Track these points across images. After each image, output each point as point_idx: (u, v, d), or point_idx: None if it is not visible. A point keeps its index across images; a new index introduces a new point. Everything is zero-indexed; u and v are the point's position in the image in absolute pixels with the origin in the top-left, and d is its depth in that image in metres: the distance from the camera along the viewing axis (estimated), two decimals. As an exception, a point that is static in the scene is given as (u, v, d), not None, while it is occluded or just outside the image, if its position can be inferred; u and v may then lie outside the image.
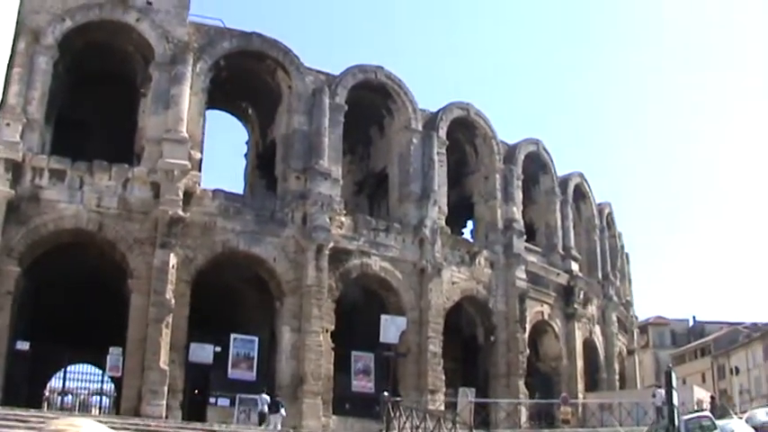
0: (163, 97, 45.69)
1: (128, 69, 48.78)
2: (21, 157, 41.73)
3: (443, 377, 49.61)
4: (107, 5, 46.91)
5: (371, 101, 54.31)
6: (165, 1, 47.98)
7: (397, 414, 38.77)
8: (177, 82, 45.94)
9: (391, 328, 45.47)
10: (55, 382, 57.28)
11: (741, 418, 46.52)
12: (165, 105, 45.44)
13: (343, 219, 48.62)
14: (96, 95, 50.24)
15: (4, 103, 42.68)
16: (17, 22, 44.42)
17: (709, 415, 43.48)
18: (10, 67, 43.46)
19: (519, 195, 59.54)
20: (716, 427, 39.83)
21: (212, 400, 44.41)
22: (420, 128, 54.43)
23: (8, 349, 40.49)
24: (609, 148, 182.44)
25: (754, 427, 41.81)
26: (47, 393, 59.10)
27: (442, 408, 47.31)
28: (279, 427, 40.86)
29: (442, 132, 55.54)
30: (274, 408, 41.47)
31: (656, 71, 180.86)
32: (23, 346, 41.94)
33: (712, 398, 63.88)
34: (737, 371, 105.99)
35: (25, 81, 43.51)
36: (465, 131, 58.85)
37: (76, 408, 58.94)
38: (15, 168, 41.52)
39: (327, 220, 47.15)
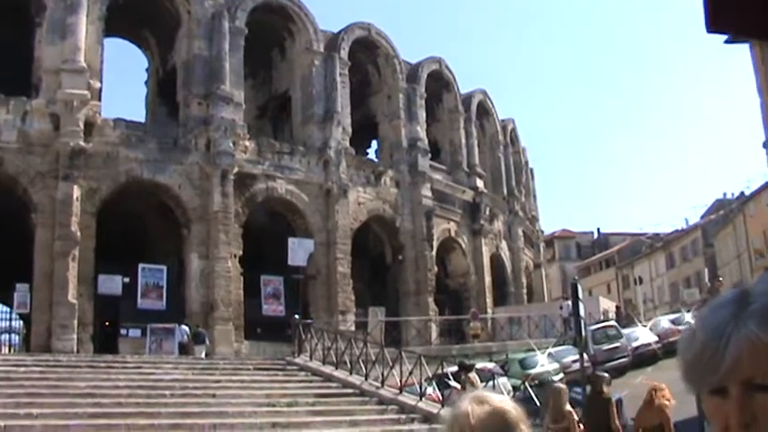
0: (59, 26, 44.73)
1: (21, -3, 47.52)
2: None
3: (353, 298, 50.28)
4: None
5: (272, 23, 53.86)
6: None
7: (309, 336, 39.06)
8: (73, 11, 44.93)
9: (299, 251, 45.80)
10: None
11: (645, 326, 48.03)
12: (62, 35, 44.53)
13: (246, 143, 48.56)
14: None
15: None
16: None
17: (615, 324, 44.98)
18: None
19: (422, 114, 59.89)
20: (621, 336, 41.22)
21: (123, 331, 44.26)
22: (322, 49, 54.31)
23: None
24: (511, 64, 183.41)
25: (658, 335, 43.31)
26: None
27: (353, 328, 47.90)
28: (203, 355, 40.94)
29: (344, 53, 55.48)
30: (199, 339, 41.84)
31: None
32: None
33: (617, 308, 65.94)
34: (641, 281, 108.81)
35: None
36: (367, 52, 58.86)
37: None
38: None
39: (231, 144, 47.07)
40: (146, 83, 59.03)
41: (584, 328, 28.39)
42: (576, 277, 56.48)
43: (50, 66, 44.20)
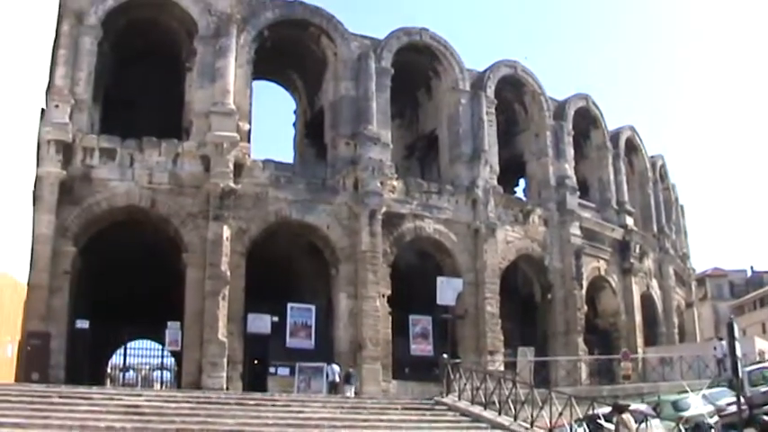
0: (208, 71, 45.56)
1: (172, 45, 48.68)
2: (71, 138, 41.78)
3: (502, 337, 49.28)
4: (148, -18, 46.57)
5: (418, 63, 53.72)
6: (206, -26, 47.48)
7: (457, 376, 38.41)
8: (222, 55, 45.79)
9: (448, 290, 45.05)
10: (116, 359, 57.53)
11: (805, 366, 45.75)
12: (212, 78, 45.31)
13: (394, 183, 48.32)
14: (142, 72, 50.19)
15: (52, 85, 42.65)
16: (60, 5, 44.28)
17: (772, 365, 42.82)
18: (55, 49, 43.39)
19: (570, 151, 58.82)
20: (779, 377, 39.17)
21: (272, 369, 44.33)
22: (468, 88, 53.83)
23: (69, 328, 40.68)
24: (659, 100, 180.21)
25: (818, 375, 41.09)
26: (109, 370, 59.48)
27: (502, 368, 46.89)
28: (352, 394, 40.88)
29: (490, 91, 54.84)
30: (349, 378, 41.87)
31: (704, 19, 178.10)
32: (83, 324, 42.09)
33: (774, 348, 63.07)
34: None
35: (71, 62, 43.42)
36: (513, 90, 58.15)
37: (138, 383, 59.32)
38: (66, 149, 41.56)
39: (379, 184, 46.92)
40: (294, 124, 59.34)
41: (741, 368, 27.11)
42: (732, 316, 54.46)
43: (201, 109, 44.91)
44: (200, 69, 45.83)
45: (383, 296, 45.89)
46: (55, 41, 43.53)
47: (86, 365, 43.88)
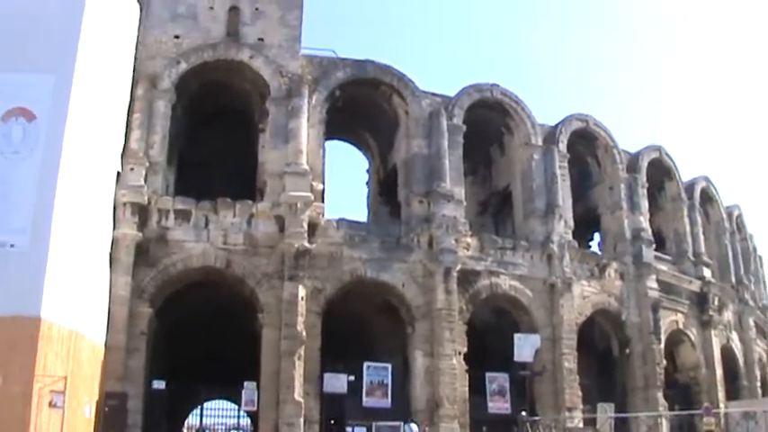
0: (281, 131, 45.71)
1: (245, 106, 48.93)
2: (146, 200, 42.25)
3: (580, 394, 48.16)
4: (220, 45, 47.19)
5: (489, 119, 53.33)
6: (276, 36, 48.03)
7: (536, 433, 37.67)
8: (294, 115, 45.93)
9: (525, 347, 44.36)
10: (192, 419, 57.47)
11: None
12: (284, 139, 45.45)
13: (469, 240, 47.74)
14: (215, 134, 50.58)
15: (127, 148, 43.17)
16: (134, 69, 44.97)
17: None
18: (130, 113, 43.97)
19: (645, 204, 57.73)
20: None
21: (349, 429, 44.02)
22: (540, 143, 53.29)
23: (145, 389, 40.79)
24: (734, 150, 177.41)
25: None
26: (185, 431, 59.32)
27: (581, 425, 45.94)
28: None
29: (563, 146, 54.20)
30: None
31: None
32: (160, 385, 42.12)
33: None
34: None
35: (145, 126, 44.00)
36: (585, 143, 57.41)
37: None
38: (141, 211, 42.00)
39: (453, 242, 46.41)
40: (367, 183, 59.15)
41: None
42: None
43: (274, 169, 44.94)
44: (273, 130, 45.98)
45: (459, 354, 45.14)
46: (130, 106, 44.07)
47: (163, 426, 43.77)
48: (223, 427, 61.73)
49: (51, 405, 32.55)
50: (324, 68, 48.89)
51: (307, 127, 46.08)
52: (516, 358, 44.00)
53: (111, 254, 40.76)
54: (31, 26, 37.43)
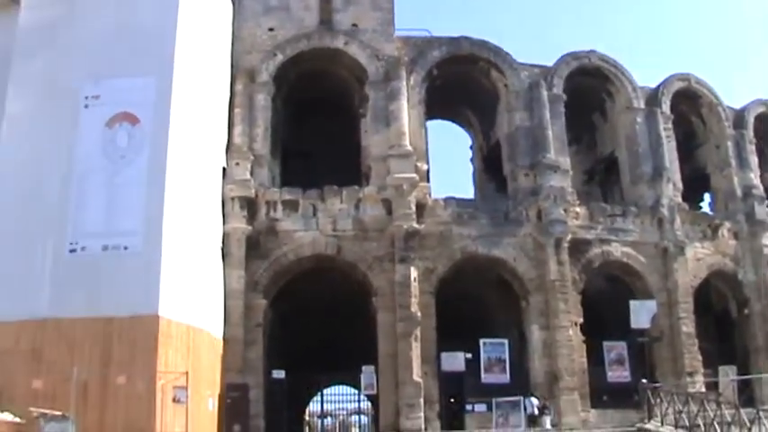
0: (382, 115, 45.25)
1: (343, 92, 48.47)
2: (253, 194, 42.36)
3: (700, 358, 46.42)
4: (314, 34, 46.91)
5: (589, 86, 51.77)
6: (369, 21, 47.51)
7: (658, 400, 36.53)
8: (394, 98, 45.37)
9: (642, 313, 42.99)
10: (313, 406, 57.46)
11: None
12: (386, 122, 44.98)
13: (577, 209, 46.45)
14: (316, 122, 50.10)
15: (231, 143, 43.21)
16: (232, 65, 44.97)
17: None
18: (231, 108, 43.99)
19: (754, 160, 55.34)
20: None
21: (468, 407, 43.21)
22: (642, 106, 51.44)
23: (265, 379, 40.88)
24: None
25: None
26: (307, 417, 59.42)
27: (703, 389, 44.32)
28: (549, 426, 40.05)
29: (666, 107, 52.25)
30: (547, 411, 40.67)
31: None
32: (279, 374, 42.19)
33: None
34: None
35: (247, 120, 44.03)
36: (689, 103, 55.27)
37: (337, 429, 59.00)
38: (250, 205, 42.13)
39: (562, 212, 45.18)
40: (471, 160, 58.28)
41: None
42: None
43: (378, 153, 44.56)
44: (373, 114, 45.55)
45: (576, 324, 43.99)
46: (231, 101, 44.10)
47: (285, 414, 43.79)
48: (344, 412, 61.74)
49: (175, 400, 32.74)
50: (419, 49, 48.12)
51: (407, 108, 45.43)
52: (633, 325, 42.69)
53: (222, 248, 40.97)
54: (128, 32, 37.81)
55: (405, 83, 46.00)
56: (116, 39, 37.80)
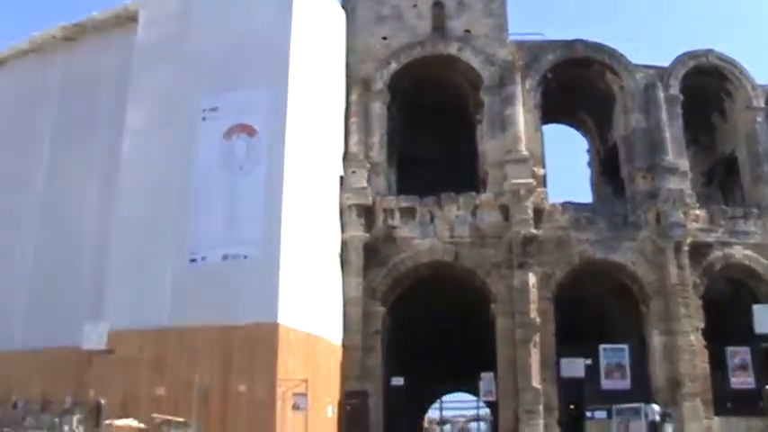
0: (497, 120, 44.71)
1: (458, 99, 47.90)
2: (370, 201, 42.37)
3: (829, 362, 44.76)
4: (428, 42, 46.66)
5: (707, 86, 50.12)
6: (482, 26, 47.05)
7: (786, 408, 35.20)
8: (509, 103, 44.83)
9: (766, 318, 41.43)
10: (432, 413, 57.21)
11: None
12: (502, 128, 44.44)
13: (697, 212, 44.99)
14: (431, 130, 49.96)
15: (347, 152, 43.26)
16: (347, 75, 44.91)
17: None
18: (347, 117, 44.04)
19: None
20: None
21: (588, 413, 42.47)
22: (762, 104, 49.60)
23: (384, 386, 40.72)
24: None
25: None
26: (426, 424, 59.18)
27: (834, 395, 42.64)
28: None
29: (787, 105, 50.45)
30: (668, 418, 39.28)
31: None
32: (398, 381, 42.09)
33: None
34: None
35: (363, 128, 44.09)
36: (810, 100, 53.33)
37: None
38: (367, 213, 42.17)
39: (681, 215, 43.81)
40: (588, 164, 57.27)
41: None
42: None
43: (494, 159, 44.02)
44: (489, 120, 45.02)
45: (697, 330, 42.53)
46: (346, 110, 44.14)
47: (404, 422, 43.61)
48: (463, 419, 61.35)
49: (295, 407, 32.83)
50: (533, 53, 47.44)
51: (522, 113, 44.85)
52: (757, 330, 40.95)
53: (341, 256, 40.99)
54: (243, 45, 38.23)
55: (519, 87, 45.42)
56: (232, 52, 38.27)
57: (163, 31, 40.51)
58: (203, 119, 37.21)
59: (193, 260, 35.02)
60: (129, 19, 43.81)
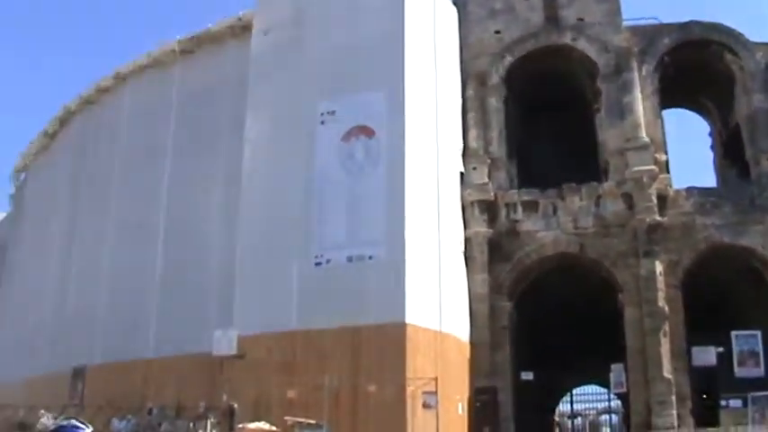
0: (616, 108, 43.69)
1: (574, 88, 47.24)
2: (492, 197, 41.91)
3: None
4: (541, 33, 45.95)
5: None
6: (595, 14, 46.02)
7: None
8: (627, 90, 43.77)
9: None
10: (562, 406, 56.50)
11: None
12: (620, 115, 43.40)
13: (828, 192, 43.28)
14: (549, 121, 49.31)
15: (466, 148, 42.88)
16: (462, 71, 44.49)
17: None
18: (464, 113, 43.63)
19: None
20: None
21: (723, 402, 40.91)
22: None
23: (513, 381, 40.29)
24: None
25: None
26: (556, 418, 58.55)
27: None
28: None
29: None
30: None
31: None
32: (527, 376, 41.65)
33: None
34: None
35: (481, 124, 43.68)
36: None
37: (587, 429, 57.80)
38: (489, 208, 41.77)
39: (812, 195, 42.20)
40: (711, 147, 55.61)
41: None
42: None
43: (615, 147, 43.05)
44: (607, 108, 44.04)
45: (835, 313, 41.09)
46: (463, 106, 43.75)
47: (534, 416, 43.10)
48: (594, 412, 60.47)
49: (425, 406, 32.79)
50: (648, 37, 46.15)
51: (641, 99, 43.72)
52: None
53: (465, 253, 40.62)
54: (357, 48, 38.28)
55: (636, 74, 44.29)
56: (346, 55, 38.37)
57: (277, 39, 40.86)
58: (322, 123, 37.42)
59: (318, 263, 35.26)
60: (244, 29, 44.40)
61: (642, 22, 47.05)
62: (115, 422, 35.64)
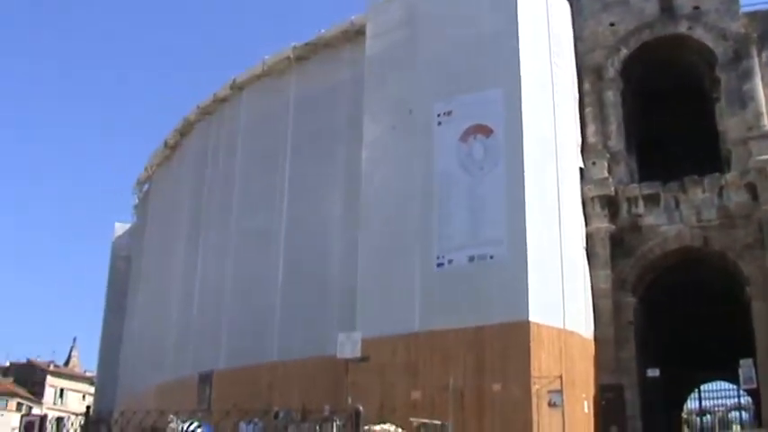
0: (736, 97, 42.07)
1: (693, 78, 45.81)
2: (613, 191, 40.97)
3: None
4: (656, 23, 44.69)
5: None
6: (712, 1, 44.39)
7: None
8: (746, 77, 42.11)
9: None
10: (691, 403, 55.29)
11: None
12: (741, 104, 41.76)
13: None
14: (667, 112, 47.93)
15: (585, 143, 42.10)
16: (577, 65, 43.72)
17: None
18: (581, 108, 42.93)
19: None
20: None
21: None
22: None
23: (639, 378, 39.26)
24: None
25: None
26: (684, 416, 57.30)
27: None
28: None
29: None
30: None
31: None
32: (654, 373, 40.28)
33: None
34: None
35: (599, 118, 42.94)
36: None
37: (716, 426, 56.48)
38: (610, 203, 40.90)
39: None
40: None
41: None
42: None
43: (736, 137, 41.43)
44: (727, 97, 42.46)
45: None
46: (580, 101, 43.04)
47: (661, 413, 42.10)
48: (723, 409, 59.01)
49: (550, 404, 32.39)
50: (766, 21, 44.36)
51: (762, 86, 42.06)
52: None
53: (587, 249, 39.93)
54: (471, 47, 38.07)
55: (756, 60, 42.61)
56: (460, 54, 38.14)
57: (391, 40, 40.87)
58: (439, 123, 37.33)
59: (440, 264, 35.21)
60: (357, 33, 44.52)
61: (761, 8, 45.45)
62: (243, 426, 36.06)
